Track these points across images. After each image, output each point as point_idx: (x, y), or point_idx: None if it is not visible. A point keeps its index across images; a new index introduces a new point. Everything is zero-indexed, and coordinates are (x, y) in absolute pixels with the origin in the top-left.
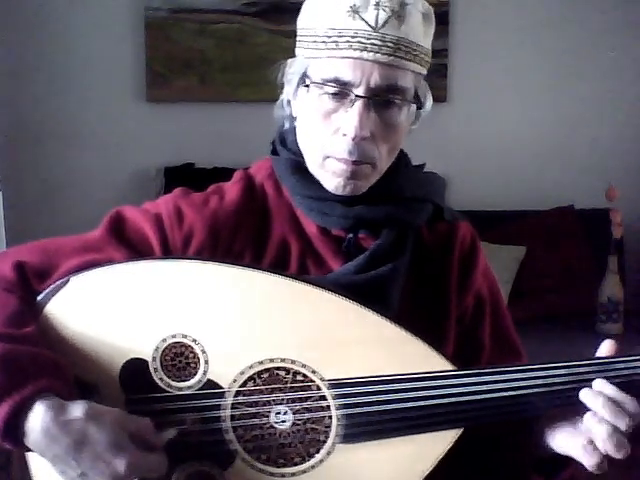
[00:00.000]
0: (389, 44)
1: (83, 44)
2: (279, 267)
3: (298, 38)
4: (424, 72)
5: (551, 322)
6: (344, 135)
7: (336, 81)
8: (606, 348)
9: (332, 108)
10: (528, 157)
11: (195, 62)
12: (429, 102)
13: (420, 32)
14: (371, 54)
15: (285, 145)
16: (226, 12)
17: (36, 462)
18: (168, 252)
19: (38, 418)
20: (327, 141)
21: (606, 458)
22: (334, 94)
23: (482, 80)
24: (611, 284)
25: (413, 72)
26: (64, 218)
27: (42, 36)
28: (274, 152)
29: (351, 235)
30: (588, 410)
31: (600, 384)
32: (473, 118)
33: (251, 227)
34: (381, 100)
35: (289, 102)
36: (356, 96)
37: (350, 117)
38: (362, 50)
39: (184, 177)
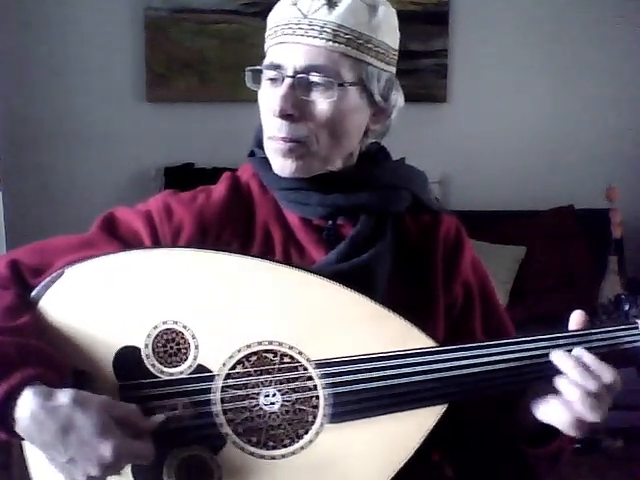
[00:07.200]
0: (315, 27)
1: (83, 44)
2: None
3: None
4: (369, 60)
5: (551, 322)
6: (273, 115)
7: (271, 65)
8: (576, 319)
9: (270, 92)
10: (528, 157)
11: (195, 62)
12: (395, 98)
13: (360, 20)
14: (297, 37)
15: (261, 146)
16: (226, 12)
17: (34, 464)
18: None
19: (26, 405)
20: (265, 124)
21: (584, 421)
22: (272, 79)
23: (482, 80)
24: (611, 284)
25: (347, 56)
26: (64, 218)
27: (42, 36)
28: (252, 154)
29: (330, 222)
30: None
31: (579, 351)
32: (473, 118)
33: (237, 221)
34: (305, 80)
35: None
36: (284, 77)
37: (274, 95)
38: (291, 35)
39: (184, 177)
